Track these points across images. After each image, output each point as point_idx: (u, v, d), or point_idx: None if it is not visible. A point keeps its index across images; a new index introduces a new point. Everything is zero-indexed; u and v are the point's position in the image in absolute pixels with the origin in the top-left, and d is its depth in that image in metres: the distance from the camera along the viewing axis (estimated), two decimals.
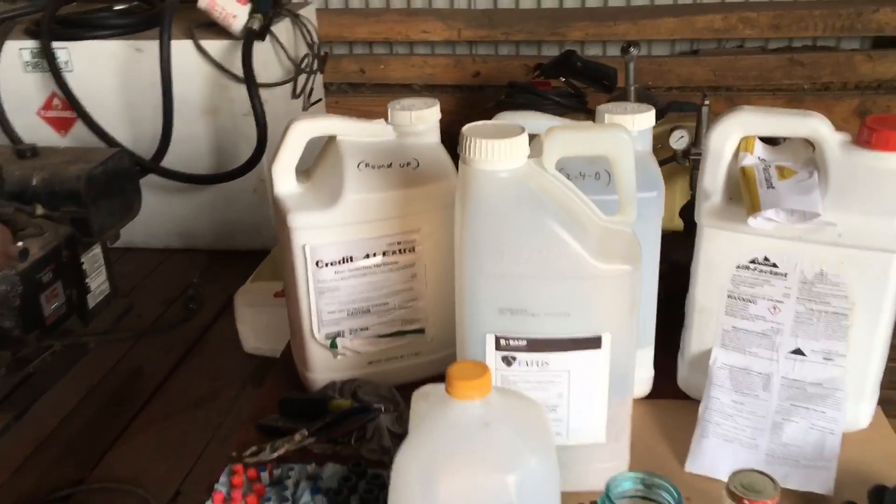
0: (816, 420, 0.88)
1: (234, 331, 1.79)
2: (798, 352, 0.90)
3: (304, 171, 0.98)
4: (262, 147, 1.99)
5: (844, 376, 0.88)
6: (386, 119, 0.98)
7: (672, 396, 0.98)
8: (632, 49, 1.99)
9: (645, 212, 0.83)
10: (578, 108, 2.16)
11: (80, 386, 1.68)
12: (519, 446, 0.63)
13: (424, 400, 0.68)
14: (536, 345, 0.77)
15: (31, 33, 2.10)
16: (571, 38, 2.57)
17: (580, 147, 0.78)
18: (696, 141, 1.43)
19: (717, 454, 0.87)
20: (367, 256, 0.95)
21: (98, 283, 1.80)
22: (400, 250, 0.96)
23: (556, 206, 0.75)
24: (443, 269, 0.99)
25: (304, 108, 2.29)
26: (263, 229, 2.20)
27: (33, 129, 2.11)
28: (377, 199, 0.93)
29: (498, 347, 0.78)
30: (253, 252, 2.18)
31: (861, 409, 0.91)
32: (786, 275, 0.87)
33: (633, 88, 2.00)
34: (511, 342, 0.77)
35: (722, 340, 0.93)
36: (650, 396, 0.98)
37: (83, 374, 1.72)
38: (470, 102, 2.61)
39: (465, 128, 0.75)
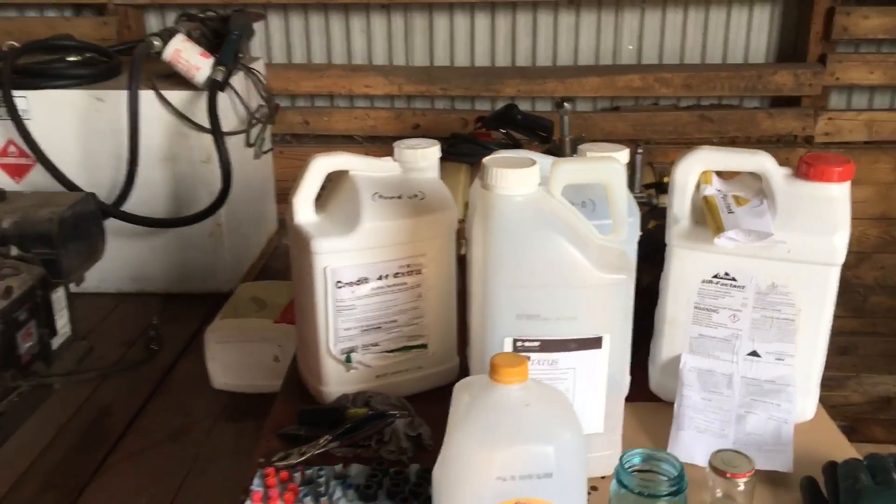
0: (773, 412, 1.03)
1: (199, 369, 1.84)
2: (754, 353, 1.05)
3: (318, 202, 1.09)
4: (226, 192, 2.07)
5: (793, 374, 1.04)
6: (392, 157, 1.10)
7: (645, 400, 1.12)
8: (565, 104, 2.18)
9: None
10: None
11: (50, 425, 1.69)
12: (556, 422, 0.75)
13: (467, 389, 0.79)
14: (548, 345, 0.90)
15: None
16: (505, 94, 2.76)
17: (581, 176, 0.92)
18: (632, 185, 1.61)
19: (693, 443, 1.01)
20: (380, 278, 1.06)
21: (62, 324, 1.82)
22: (408, 272, 1.07)
23: (564, 226, 0.89)
24: (444, 289, 1.11)
25: (256, 157, 2.38)
26: (219, 272, 2.25)
27: None
28: (390, 227, 1.05)
29: (515, 349, 0.90)
30: (207, 295, 2.24)
31: (807, 403, 1.07)
32: (743, 287, 1.03)
33: (568, 139, 2.19)
34: (527, 344, 0.90)
35: (690, 347, 1.07)
36: (627, 400, 1.12)
37: (51, 413, 1.73)
38: None
39: (486, 159, 0.88)
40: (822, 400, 1.10)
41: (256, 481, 0.96)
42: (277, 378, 1.69)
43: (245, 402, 1.77)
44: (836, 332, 1.07)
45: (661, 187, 1.87)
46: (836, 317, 1.04)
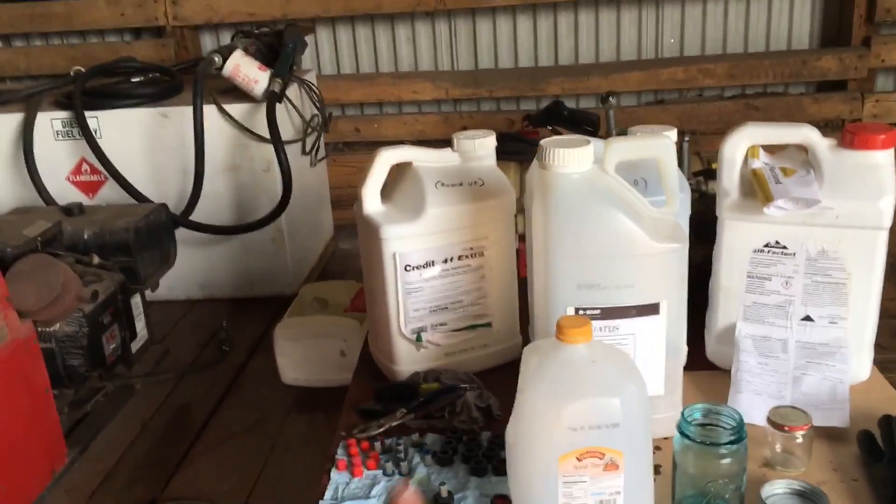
0: (828, 372, 1.07)
1: (269, 366, 1.93)
2: (808, 318, 1.09)
3: (383, 193, 1.16)
4: (287, 198, 2.16)
5: (846, 335, 1.08)
6: (452, 147, 1.17)
7: (702, 369, 1.17)
8: (611, 98, 2.23)
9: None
10: None
11: (134, 422, 1.80)
12: (620, 377, 0.81)
13: (535, 353, 0.85)
14: (609, 312, 0.96)
15: (60, 105, 2.26)
16: (549, 93, 2.82)
17: (633, 152, 0.98)
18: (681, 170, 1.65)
19: (751, 405, 1.05)
20: (446, 261, 1.13)
21: (140, 328, 1.93)
22: (471, 255, 1.14)
23: (619, 200, 0.94)
24: (505, 270, 1.17)
25: (312, 165, 2.47)
26: (281, 276, 2.35)
27: (63, 192, 2.26)
28: (453, 212, 1.11)
29: None
30: (271, 298, 2.34)
31: (861, 363, 1.10)
32: (794, 254, 1.07)
33: (615, 132, 2.23)
34: (588, 311, 0.95)
35: (745, 314, 1.12)
36: (684, 369, 1.16)
37: (134, 412, 1.84)
38: None
39: (543, 141, 0.94)
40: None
41: (340, 451, 1.03)
42: (344, 372, 1.78)
43: (314, 395, 1.85)
44: (891, 315, 1.10)
45: (710, 174, 1.90)
46: (891, 299, 1.07)
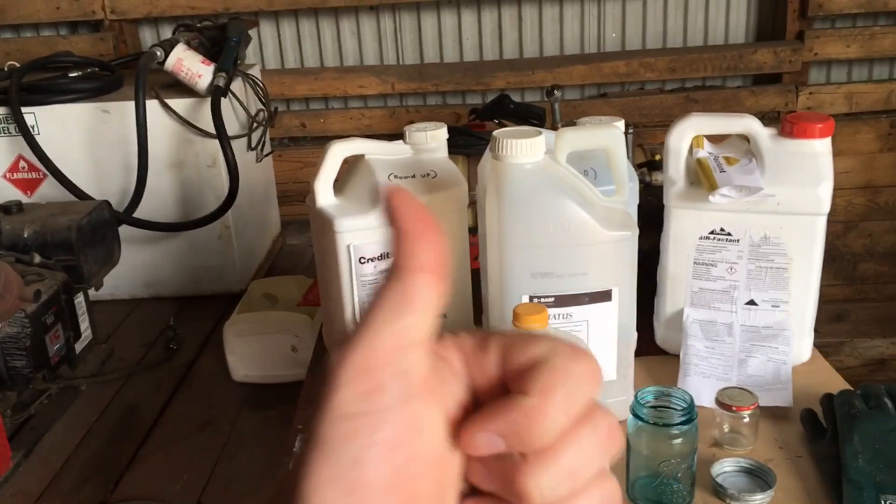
0: (771, 354, 1.11)
1: (219, 364, 1.91)
2: (751, 302, 1.13)
3: (336, 186, 1.16)
4: (234, 194, 2.14)
5: (788, 318, 1.12)
6: (404, 139, 1.17)
7: (652, 354, 1.20)
8: (556, 92, 2.26)
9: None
10: None
11: (80, 424, 1.76)
12: None
13: None
14: (562, 300, 0.97)
15: None
16: (495, 87, 2.83)
17: (584, 142, 1.00)
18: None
19: (699, 387, 1.09)
20: None
21: (83, 328, 1.89)
22: None
23: (571, 189, 0.96)
24: (459, 261, 1.18)
25: (258, 160, 2.45)
26: (229, 273, 2.32)
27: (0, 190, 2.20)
28: None
29: None
30: (219, 295, 2.31)
31: (803, 345, 1.15)
32: (738, 240, 1.11)
33: (561, 125, 2.26)
34: (542, 299, 0.97)
35: (691, 300, 1.15)
36: (635, 355, 1.19)
37: (80, 413, 1.79)
38: None
39: (496, 132, 0.96)
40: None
41: (297, 444, 1.03)
42: (296, 367, 1.78)
43: (266, 391, 1.84)
44: (828, 301, 1.15)
45: (654, 165, 1.95)
46: (828, 285, 1.12)
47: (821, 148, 1.08)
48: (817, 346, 1.19)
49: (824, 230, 1.09)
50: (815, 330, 1.17)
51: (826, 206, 1.07)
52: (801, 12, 2.80)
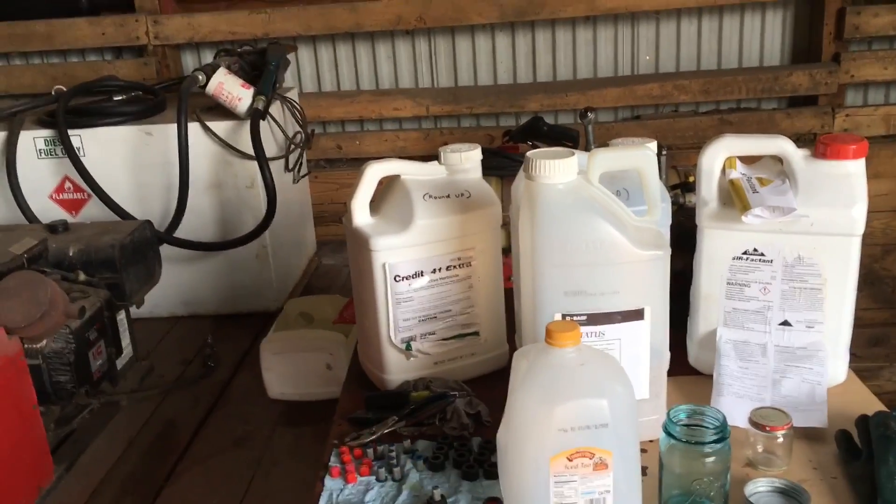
0: (806, 375, 1.10)
1: (255, 381, 1.93)
2: (786, 323, 1.13)
3: (372, 206, 1.19)
4: (272, 214, 2.18)
5: (823, 339, 1.12)
6: (438, 160, 1.20)
7: (685, 374, 1.20)
8: (589, 114, 2.27)
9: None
10: None
11: (120, 439, 1.80)
12: (608, 378, 0.84)
13: (525, 357, 0.88)
14: (595, 318, 0.99)
15: (43, 123, 2.27)
16: (528, 109, 2.86)
17: (616, 163, 1.01)
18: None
19: (732, 407, 1.08)
20: (434, 271, 1.15)
21: (125, 345, 1.93)
22: (459, 265, 1.16)
23: (603, 209, 0.98)
24: (492, 279, 1.20)
25: (295, 181, 2.49)
26: (266, 292, 2.36)
27: (46, 210, 2.25)
28: (441, 223, 1.14)
29: None
30: (255, 314, 2.34)
31: (838, 367, 1.14)
32: (772, 261, 1.11)
33: (595, 147, 2.28)
34: (575, 317, 0.98)
35: (725, 320, 1.15)
36: (668, 375, 1.19)
37: (120, 428, 1.83)
38: None
39: (530, 153, 0.98)
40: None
41: (333, 459, 1.05)
42: (331, 385, 1.80)
43: (301, 409, 1.86)
44: (866, 324, 1.14)
45: (687, 187, 1.95)
46: (866, 309, 1.12)
47: (854, 169, 1.08)
48: (855, 370, 1.18)
49: (859, 251, 1.09)
50: (853, 353, 1.16)
51: (860, 228, 1.07)
52: (837, 34, 2.79)
